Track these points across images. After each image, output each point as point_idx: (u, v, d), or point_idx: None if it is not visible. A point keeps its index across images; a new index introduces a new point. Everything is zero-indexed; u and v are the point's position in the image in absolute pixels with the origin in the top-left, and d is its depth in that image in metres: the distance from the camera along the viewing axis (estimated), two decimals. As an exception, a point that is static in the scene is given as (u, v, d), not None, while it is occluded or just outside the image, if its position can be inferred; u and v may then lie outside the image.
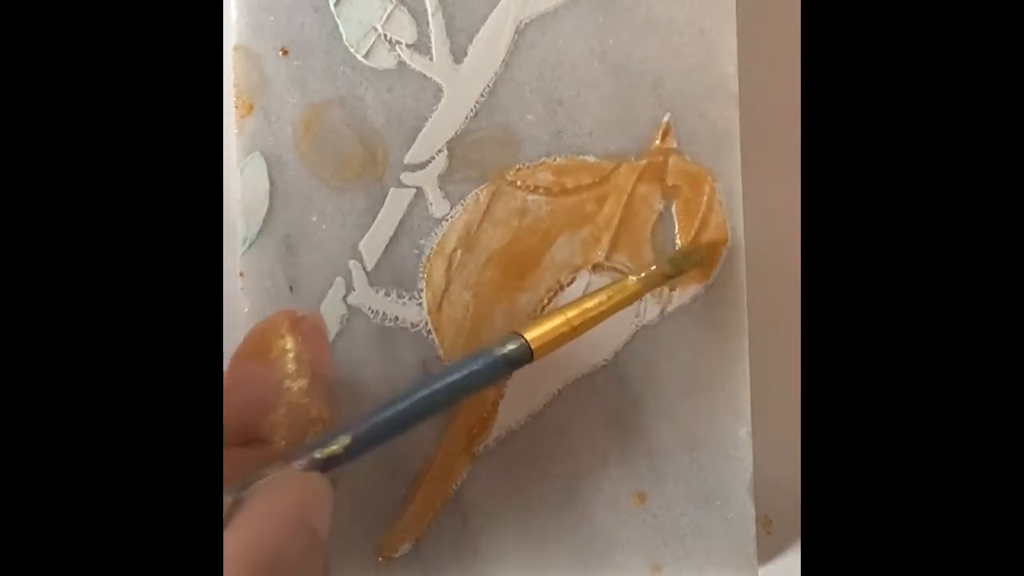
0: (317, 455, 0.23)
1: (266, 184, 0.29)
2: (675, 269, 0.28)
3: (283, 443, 0.23)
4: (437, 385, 0.25)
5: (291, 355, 0.24)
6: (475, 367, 0.25)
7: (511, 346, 0.26)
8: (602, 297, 0.27)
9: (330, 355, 0.26)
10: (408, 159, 0.29)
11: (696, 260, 0.29)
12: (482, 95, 0.29)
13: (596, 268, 0.30)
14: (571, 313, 0.26)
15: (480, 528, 0.30)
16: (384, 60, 0.29)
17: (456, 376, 0.25)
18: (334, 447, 0.23)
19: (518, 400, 0.30)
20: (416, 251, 0.29)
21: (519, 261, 0.29)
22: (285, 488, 0.22)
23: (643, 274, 0.28)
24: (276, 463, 0.22)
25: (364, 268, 0.29)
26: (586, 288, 0.30)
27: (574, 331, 0.26)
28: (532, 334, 0.26)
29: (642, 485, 0.30)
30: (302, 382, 0.24)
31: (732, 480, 0.30)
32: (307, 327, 0.25)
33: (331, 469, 0.23)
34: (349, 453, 0.23)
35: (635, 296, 0.27)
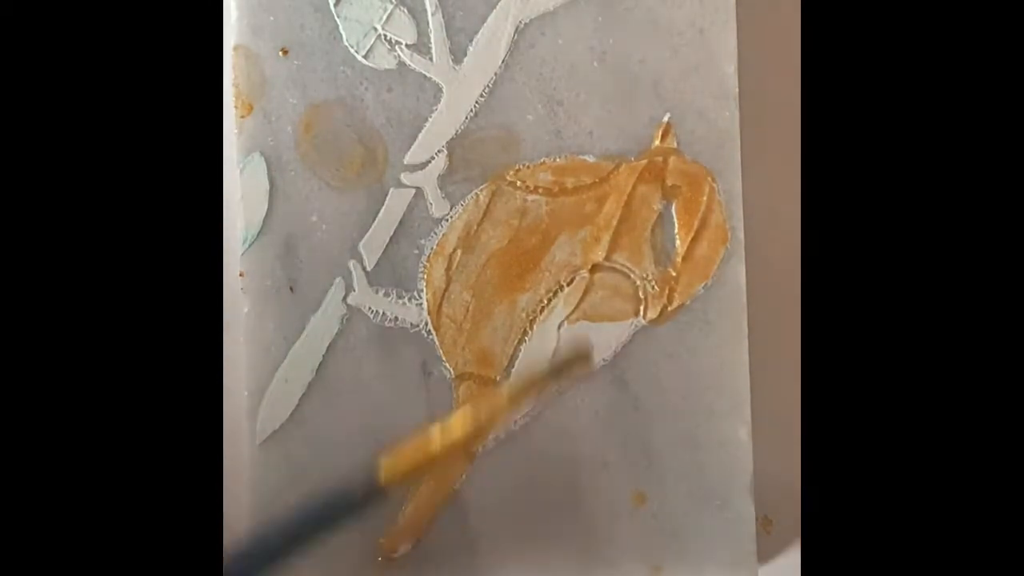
0: None
1: (266, 184, 0.29)
2: (550, 379, 0.27)
3: None
4: (286, 531, 0.23)
5: None
6: (326, 509, 0.24)
7: (364, 484, 0.23)
8: (464, 418, 0.24)
9: None
10: (408, 159, 0.29)
11: (573, 368, 0.28)
12: (482, 95, 0.29)
13: (596, 268, 0.30)
14: (433, 441, 0.24)
15: (480, 528, 0.30)
16: (384, 60, 0.29)
17: (305, 521, 0.23)
18: None
19: (518, 400, 0.30)
20: (416, 251, 0.29)
21: (519, 261, 0.29)
22: None
23: (517, 384, 0.26)
24: None
25: (364, 268, 0.29)
26: (586, 288, 0.30)
27: (433, 461, 0.24)
28: (386, 471, 0.23)
29: (642, 485, 0.30)
30: None
31: (732, 480, 0.30)
32: None
33: None
34: None
35: (507, 409, 0.25)
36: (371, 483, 0.23)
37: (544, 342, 0.29)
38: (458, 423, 0.24)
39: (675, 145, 0.30)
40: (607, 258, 0.30)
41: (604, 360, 0.30)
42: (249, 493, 0.29)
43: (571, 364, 0.28)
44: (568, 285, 0.30)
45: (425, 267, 0.29)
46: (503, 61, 0.29)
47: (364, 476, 0.24)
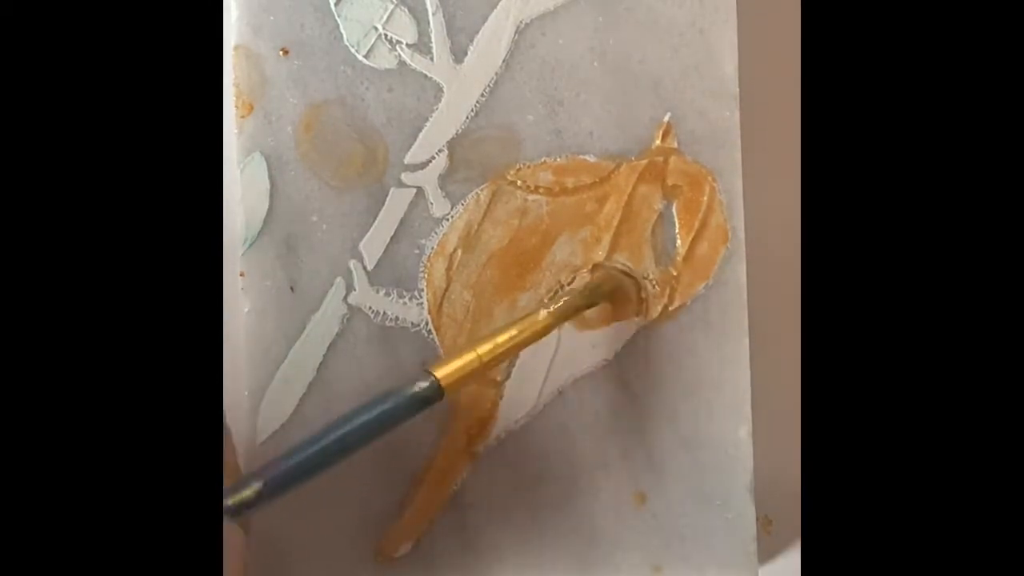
0: (228, 502, 0.23)
1: (266, 184, 0.29)
2: (586, 301, 0.28)
3: None
4: (348, 427, 0.25)
5: None
6: (386, 407, 0.25)
7: (422, 384, 0.25)
8: (512, 332, 0.27)
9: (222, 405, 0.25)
10: (408, 159, 0.29)
11: (607, 292, 0.29)
12: (482, 95, 0.29)
13: (596, 268, 0.30)
14: (482, 349, 0.26)
15: (480, 528, 0.30)
16: (384, 60, 0.29)
17: (367, 416, 0.25)
18: (246, 493, 0.23)
19: (518, 400, 0.30)
20: (416, 251, 0.29)
21: (519, 261, 0.30)
22: None
23: (553, 307, 0.27)
24: None
25: (364, 268, 0.29)
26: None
27: (485, 367, 0.26)
28: (442, 372, 0.26)
29: (642, 485, 0.30)
30: None
31: (732, 480, 0.30)
32: None
33: (243, 514, 0.23)
34: (262, 497, 0.23)
35: (547, 329, 0.27)
36: (432, 386, 0.25)
37: (544, 342, 0.29)
38: (503, 336, 0.27)
39: (675, 145, 0.30)
40: (607, 258, 0.30)
41: (604, 360, 0.30)
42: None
43: (603, 290, 0.29)
44: (569, 285, 0.30)
45: (425, 267, 0.29)
46: (503, 61, 0.29)
47: (420, 380, 0.25)
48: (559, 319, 0.27)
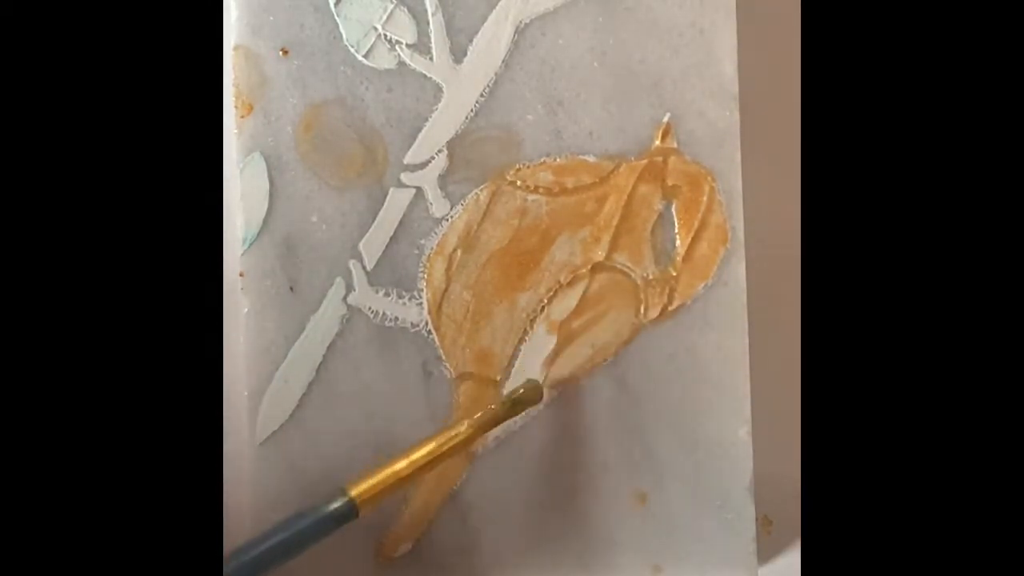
0: None
1: (266, 184, 0.29)
2: (508, 412, 0.28)
3: None
4: (263, 547, 0.25)
5: None
6: (300, 526, 0.25)
7: (336, 504, 0.25)
8: (431, 446, 0.27)
9: None
10: (408, 159, 0.29)
11: (529, 401, 0.29)
12: (482, 95, 0.29)
13: (596, 268, 0.30)
14: (399, 465, 0.26)
15: (480, 528, 0.30)
16: (384, 60, 0.29)
17: (281, 536, 0.25)
18: None
19: (518, 400, 0.30)
20: (416, 251, 0.29)
21: (519, 261, 0.29)
22: None
23: (475, 417, 0.27)
24: None
25: (364, 268, 0.29)
26: (585, 292, 0.30)
27: (403, 481, 0.26)
28: (357, 489, 0.26)
29: (642, 485, 0.30)
30: None
31: (732, 480, 0.30)
32: None
33: None
34: None
35: (468, 441, 0.27)
36: (346, 505, 0.25)
37: (544, 342, 0.29)
38: (421, 451, 0.27)
39: (675, 145, 0.30)
40: (607, 258, 0.30)
41: (604, 360, 0.30)
42: (249, 493, 0.29)
43: (526, 399, 0.29)
44: (568, 285, 0.30)
45: (425, 267, 0.29)
46: (503, 61, 0.29)
47: (335, 499, 0.25)
48: (480, 430, 0.27)
